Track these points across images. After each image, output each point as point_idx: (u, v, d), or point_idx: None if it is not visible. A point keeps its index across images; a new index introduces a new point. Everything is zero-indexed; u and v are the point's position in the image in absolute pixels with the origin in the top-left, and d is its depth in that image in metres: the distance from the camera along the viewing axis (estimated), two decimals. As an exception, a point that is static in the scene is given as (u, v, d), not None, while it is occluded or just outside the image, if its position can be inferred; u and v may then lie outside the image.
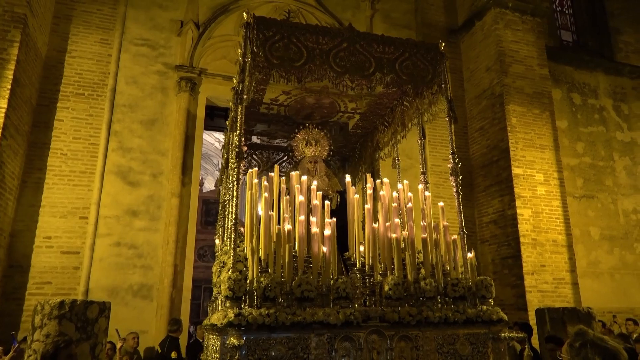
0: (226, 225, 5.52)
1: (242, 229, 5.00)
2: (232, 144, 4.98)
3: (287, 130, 7.11)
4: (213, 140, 20.31)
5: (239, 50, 5.06)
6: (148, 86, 10.29)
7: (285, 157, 7.44)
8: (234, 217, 4.45)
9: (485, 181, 11.56)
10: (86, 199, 9.33)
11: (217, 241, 6.59)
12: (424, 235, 4.84)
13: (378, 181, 5.60)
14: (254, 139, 7.25)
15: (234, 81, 5.05)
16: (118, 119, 9.92)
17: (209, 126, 11.06)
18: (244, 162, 4.65)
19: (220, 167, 7.84)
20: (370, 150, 6.98)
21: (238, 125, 4.71)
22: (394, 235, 4.72)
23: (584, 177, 13.11)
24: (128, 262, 9.28)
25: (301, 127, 6.89)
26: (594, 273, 12.49)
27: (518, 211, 10.92)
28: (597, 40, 14.69)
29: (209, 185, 23.39)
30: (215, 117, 10.89)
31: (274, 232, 4.45)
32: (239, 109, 4.75)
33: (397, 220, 4.85)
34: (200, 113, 10.45)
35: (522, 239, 10.82)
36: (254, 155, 7.35)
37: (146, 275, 9.29)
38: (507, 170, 11.16)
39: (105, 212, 9.39)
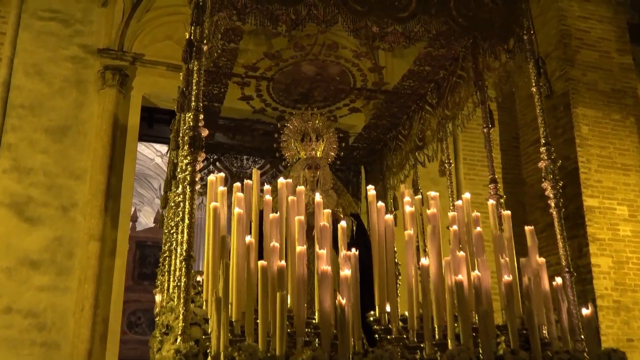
0: (173, 267, 4.97)
1: (201, 277, 4.72)
2: (184, 128, 4.51)
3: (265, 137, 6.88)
4: (153, 154, 19.95)
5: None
6: (58, 79, 9.75)
7: (268, 165, 7.14)
8: (186, 247, 3.87)
9: (545, 217, 10.74)
10: (-38, 243, 8.80)
11: (158, 297, 6.20)
12: (506, 279, 4.14)
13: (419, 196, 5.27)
14: (218, 137, 7.00)
15: (187, 35, 4.52)
16: (13, 125, 9.38)
17: (147, 136, 10.74)
18: (202, 154, 4.07)
19: (163, 186, 7.43)
20: (405, 149, 6.62)
21: (193, 93, 4.13)
22: (456, 279, 4.04)
23: (686, 211, 12.47)
24: (22, 338, 8.63)
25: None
26: (702, 350, 11.75)
27: (593, 260, 10.27)
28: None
29: (147, 219, 22.88)
30: (156, 123, 10.49)
31: (254, 274, 3.84)
32: (195, 69, 4.21)
33: (460, 254, 4.17)
34: (134, 117, 9.91)
35: (599, 301, 10.10)
36: (217, 163, 7.08)
37: (50, 357, 8.64)
38: (577, 202, 10.50)
39: (-10, 262, 8.82)
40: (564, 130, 10.92)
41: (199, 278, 4.81)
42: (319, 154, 6.27)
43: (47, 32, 9.88)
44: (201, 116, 4.07)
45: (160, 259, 6.34)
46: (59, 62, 9.80)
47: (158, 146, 18.21)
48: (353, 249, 4.05)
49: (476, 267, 4.24)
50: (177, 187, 4.99)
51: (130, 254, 14.30)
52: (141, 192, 22.72)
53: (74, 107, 9.68)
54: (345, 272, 3.81)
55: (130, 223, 11.78)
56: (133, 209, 17.50)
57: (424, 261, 4.17)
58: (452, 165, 6.04)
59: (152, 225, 18.96)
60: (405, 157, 6.77)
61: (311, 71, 6.15)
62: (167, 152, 7.31)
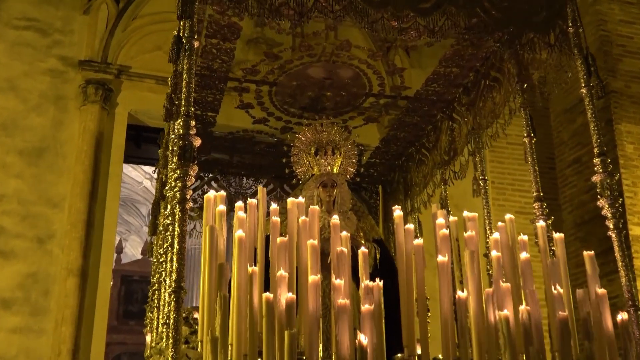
0: (162, 302, 4.90)
1: (196, 313, 4.68)
2: (172, 138, 4.34)
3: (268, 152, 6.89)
4: (141, 176, 20.11)
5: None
6: (34, 94, 9.64)
7: (272, 185, 7.14)
8: (175, 277, 3.72)
9: (585, 248, 10.55)
10: None
11: (148, 338, 6.07)
12: (561, 314, 3.92)
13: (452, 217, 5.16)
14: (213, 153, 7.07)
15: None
16: (-17, 148, 9.42)
17: (134, 157, 10.73)
18: (194, 167, 3.91)
19: (151, 209, 7.42)
20: (430, 165, 6.60)
21: (183, 96, 4.08)
22: (501, 314, 3.86)
23: None
24: (-9, 388, 8.54)
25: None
26: None
27: (642, 300, 10.03)
28: None
29: (134, 250, 23.06)
30: (144, 143, 10.39)
31: (257, 308, 3.75)
32: (184, 68, 4.24)
33: (504, 285, 4.01)
34: (119, 137, 9.78)
35: (650, 348, 9.95)
36: (213, 183, 7.09)
37: (23, 410, 8.60)
38: (621, 231, 10.20)
39: (-45, 301, 8.80)
40: (606, 149, 10.64)
41: (195, 315, 4.67)
42: (335, 169, 6.15)
43: (23, 42, 9.80)
44: (192, 122, 3.94)
45: (149, 293, 6.24)
46: (36, 76, 9.70)
47: (146, 168, 18.25)
48: (377, 279, 3.89)
49: (523, 300, 4.08)
50: (166, 209, 4.88)
51: (114, 290, 14.34)
52: (127, 220, 22.87)
53: (52, 126, 9.57)
54: (367, 306, 3.61)
55: (115, 255, 11.91)
56: (118, 239, 17.66)
57: (462, 293, 4.00)
58: (488, 182, 6.15)
59: (140, 257, 19.17)
60: (430, 174, 6.73)
61: (320, 74, 6.08)
62: (154, 170, 7.19)
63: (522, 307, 3.91)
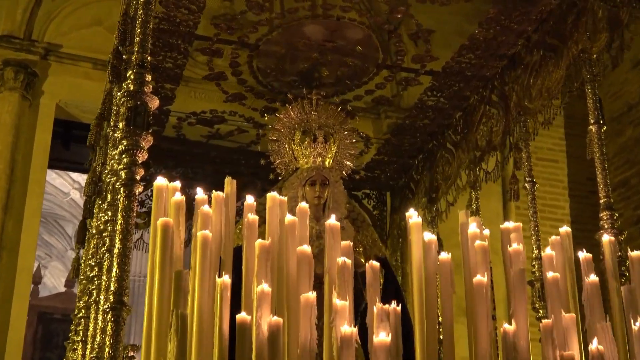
0: (91, 331, 4.64)
1: (132, 352, 4.77)
2: (119, 95, 4.14)
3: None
4: (67, 185, 20.36)
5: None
6: None
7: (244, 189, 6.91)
8: (115, 287, 3.52)
9: None
10: None
11: None
12: None
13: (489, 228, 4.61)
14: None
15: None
16: None
17: (61, 160, 11.01)
18: (148, 139, 3.73)
19: (82, 212, 7.40)
20: (456, 163, 6.61)
21: (137, 40, 3.92)
22: (566, 355, 3.62)
23: None
24: None
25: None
26: None
27: None
28: None
29: (55, 280, 23.18)
30: (74, 143, 10.60)
31: (227, 335, 3.47)
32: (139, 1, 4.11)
33: (568, 315, 3.84)
34: (44, 135, 9.89)
35: None
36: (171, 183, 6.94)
37: None
38: None
39: None
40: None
41: (131, 354, 4.63)
42: (328, 162, 6.03)
43: None
44: (149, 77, 3.68)
45: (73, 324, 6.04)
46: (-59, 56, 10.06)
47: (75, 175, 18.41)
48: (394, 303, 3.57)
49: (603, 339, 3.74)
50: (105, 200, 4.64)
51: (29, 331, 14.42)
52: (48, 241, 22.98)
53: (-40, 118, 9.86)
54: (383, 336, 3.27)
55: (32, 286, 12.01)
56: (36, 266, 17.69)
57: (508, 326, 3.69)
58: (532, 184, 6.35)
59: (63, 289, 19.30)
60: (455, 175, 6.69)
61: (319, 35, 5.94)
62: (88, 162, 7.01)
63: (594, 346, 3.57)
